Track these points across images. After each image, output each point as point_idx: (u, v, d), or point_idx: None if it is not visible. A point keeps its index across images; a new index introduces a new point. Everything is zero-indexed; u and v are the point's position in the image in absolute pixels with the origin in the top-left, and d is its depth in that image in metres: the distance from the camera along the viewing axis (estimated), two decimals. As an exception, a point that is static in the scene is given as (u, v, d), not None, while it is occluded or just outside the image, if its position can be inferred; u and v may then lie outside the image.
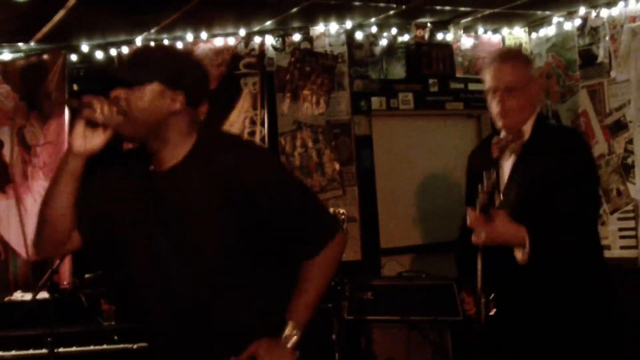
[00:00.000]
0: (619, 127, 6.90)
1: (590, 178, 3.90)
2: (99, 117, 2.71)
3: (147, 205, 2.86)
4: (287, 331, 2.82)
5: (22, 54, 6.75)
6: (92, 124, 2.74)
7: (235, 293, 2.82)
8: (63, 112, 6.70)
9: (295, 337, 2.82)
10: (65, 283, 6.37)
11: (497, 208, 3.61)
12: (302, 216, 2.87)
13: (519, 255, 3.62)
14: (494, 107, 3.92)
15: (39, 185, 6.66)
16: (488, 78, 3.97)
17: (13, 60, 6.74)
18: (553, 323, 3.72)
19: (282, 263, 2.91)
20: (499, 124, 3.94)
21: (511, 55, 4.04)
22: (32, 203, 6.67)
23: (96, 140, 2.76)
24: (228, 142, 2.93)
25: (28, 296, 5.82)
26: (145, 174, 2.89)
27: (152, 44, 6.82)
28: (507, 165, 3.93)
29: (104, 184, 2.99)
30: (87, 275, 6.36)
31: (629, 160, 6.75)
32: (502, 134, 3.98)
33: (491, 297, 3.76)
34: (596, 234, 3.93)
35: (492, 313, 3.76)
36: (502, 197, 3.85)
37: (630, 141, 6.74)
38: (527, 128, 3.92)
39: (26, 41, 6.57)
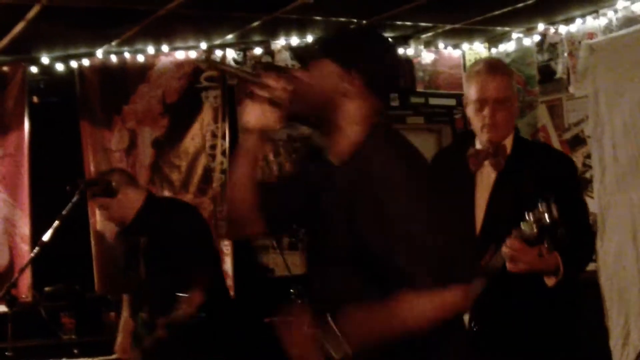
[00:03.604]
0: (577, 142, 6.97)
1: (581, 196, 3.96)
2: (269, 93, 2.61)
3: (319, 199, 2.68)
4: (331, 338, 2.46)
5: (-19, 66, 6.72)
6: (266, 101, 2.64)
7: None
8: (23, 125, 6.65)
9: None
10: (24, 296, 6.32)
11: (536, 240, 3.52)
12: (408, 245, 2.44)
13: (550, 281, 3.59)
14: (481, 119, 3.79)
15: (-2, 198, 6.62)
16: (474, 89, 3.81)
17: (-28, 73, 6.70)
18: (535, 338, 3.72)
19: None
20: (486, 137, 3.80)
21: (499, 68, 3.91)
22: (-8, 214, 6.62)
23: (269, 117, 2.63)
24: (383, 150, 2.58)
25: (-14, 309, 5.77)
26: (325, 163, 2.70)
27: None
28: (486, 180, 3.84)
29: (301, 174, 2.88)
30: (46, 289, 6.33)
31: (588, 175, 6.80)
32: (478, 145, 3.89)
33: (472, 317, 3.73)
34: None
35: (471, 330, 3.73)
36: (485, 213, 3.79)
37: (589, 156, 6.80)
38: (509, 142, 3.83)
39: (-15, 53, 6.54)
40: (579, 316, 3.89)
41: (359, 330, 2.45)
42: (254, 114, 2.65)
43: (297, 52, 2.79)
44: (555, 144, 7.06)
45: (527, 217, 3.49)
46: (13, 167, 6.64)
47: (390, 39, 2.77)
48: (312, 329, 2.51)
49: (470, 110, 3.88)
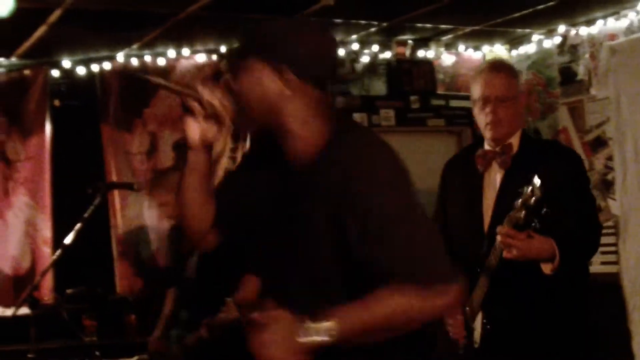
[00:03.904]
0: (599, 144, 6.93)
1: (589, 192, 3.95)
2: (205, 107, 2.46)
3: (277, 206, 2.49)
4: (319, 325, 2.23)
5: (3, 70, 6.73)
6: (204, 115, 2.48)
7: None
8: (44, 128, 6.69)
9: (320, 338, 2.22)
10: (46, 298, 6.35)
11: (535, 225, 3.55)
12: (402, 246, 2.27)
13: (547, 268, 3.62)
14: (484, 117, 3.86)
15: (19, 201, 6.63)
16: (478, 87, 3.89)
17: (-6, 76, 6.73)
18: (547, 338, 3.73)
19: None
20: (489, 134, 3.88)
21: (503, 66, 3.99)
22: (14, 218, 6.64)
23: (210, 131, 2.49)
24: (356, 143, 2.40)
25: (9, 312, 5.79)
26: (284, 170, 2.50)
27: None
28: (495, 178, 3.89)
29: (250, 179, 2.63)
30: (68, 291, 6.35)
31: (609, 177, 6.77)
32: (486, 146, 3.94)
33: (484, 315, 3.75)
34: None
35: (485, 330, 3.75)
36: (493, 211, 3.84)
37: (610, 158, 6.77)
38: (515, 141, 3.88)
39: (7, 56, 6.56)
40: (590, 314, 3.91)
41: (346, 323, 2.25)
42: (194, 130, 2.50)
43: (226, 57, 2.48)
44: (577, 146, 7.03)
45: (515, 203, 3.53)
46: (35, 170, 6.68)
47: (317, 23, 2.52)
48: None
49: (475, 110, 3.94)
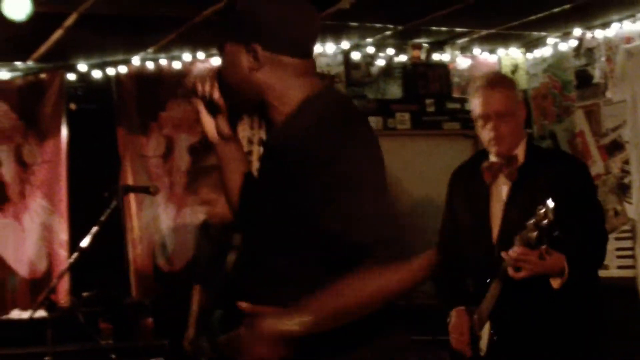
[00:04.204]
0: (615, 147, 6.91)
1: (596, 200, 3.97)
2: (204, 100, 2.50)
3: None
4: (290, 318, 2.22)
5: (20, 73, 6.77)
6: (209, 107, 2.51)
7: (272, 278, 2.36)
8: (60, 131, 6.71)
9: (292, 329, 2.20)
10: (63, 301, 6.37)
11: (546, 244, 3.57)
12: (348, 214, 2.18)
13: (555, 283, 3.64)
14: (487, 133, 3.88)
15: (36, 204, 6.66)
16: (477, 105, 3.92)
17: (11, 80, 6.75)
18: (555, 348, 3.73)
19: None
20: (493, 150, 3.91)
21: (499, 81, 4.00)
22: (30, 221, 6.67)
23: (220, 120, 2.52)
24: (313, 115, 2.31)
25: (26, 315, 5.81)
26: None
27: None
28: (502, 190, 3.91)
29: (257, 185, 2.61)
30: (85, 294, 6.36)
31: (626, 180, 6.76)
32: (492, 157, 3.95)
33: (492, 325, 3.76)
34: None
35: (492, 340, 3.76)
36: (501, 223, 3.86)
37: (627, 161, 6.76)
38: (520, 152, 3.91)
39: (24, 60, 6.59)
40: (601, 321, 3.91)
41: (322, 309, 2.21)
42: (208, 125, 2.55)
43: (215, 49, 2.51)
44: (593, 149, 7.02)
45: (528, 223, 3.55)
46: (51, 173, 6.70)
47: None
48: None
49: (477, 127, 3.98)
